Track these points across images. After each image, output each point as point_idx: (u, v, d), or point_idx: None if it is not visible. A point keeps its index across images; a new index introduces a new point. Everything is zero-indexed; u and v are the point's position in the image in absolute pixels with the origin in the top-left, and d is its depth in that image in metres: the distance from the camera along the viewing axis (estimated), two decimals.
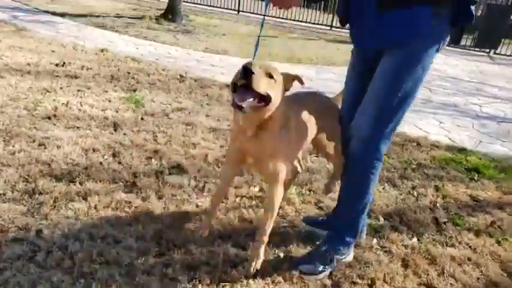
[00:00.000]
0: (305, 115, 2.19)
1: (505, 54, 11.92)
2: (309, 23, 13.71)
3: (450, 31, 1.96)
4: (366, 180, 2.18)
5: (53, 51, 5.95)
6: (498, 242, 2.71)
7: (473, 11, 1.92)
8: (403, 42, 1.93)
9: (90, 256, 2.09)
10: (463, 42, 13.20)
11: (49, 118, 3.62)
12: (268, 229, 2.10)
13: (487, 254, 2.57)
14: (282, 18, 13.67)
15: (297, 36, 10.92)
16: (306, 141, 2.26)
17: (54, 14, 9.16)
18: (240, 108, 1.69)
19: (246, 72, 1.65)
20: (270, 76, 1.76)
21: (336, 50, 9.17)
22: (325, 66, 7.45)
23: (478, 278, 2.34)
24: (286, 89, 1.92)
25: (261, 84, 1.71)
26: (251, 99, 1.71)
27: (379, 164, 2.17)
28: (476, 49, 12.39)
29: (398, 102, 2.00)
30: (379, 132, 2.06)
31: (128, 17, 10.01)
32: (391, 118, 2.04)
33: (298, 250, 2.37)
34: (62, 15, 9.13)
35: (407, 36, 1.92)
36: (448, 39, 2.00)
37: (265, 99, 1.76)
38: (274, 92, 1.78)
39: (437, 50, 1.99)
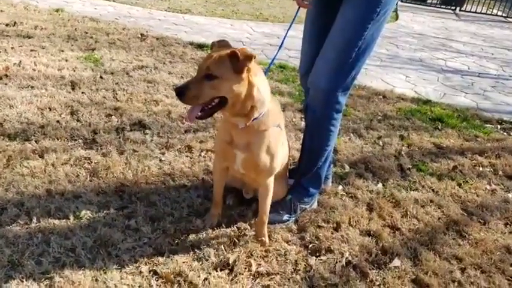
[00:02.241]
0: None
1: (470, 11, 12.04)
2: None
3: None
4: (327, 133, 2.16)
5: (1, 10, 5.56)
6: (459, 185, 2.79)
7: None
8: None
9: (47, 212, 2.01)
10: (429, 0, 13.25)
11: (0, 78, 3.40)
12: (268, 210, 2.00)
13: (448, 196, 2.64)
14: None
15: None
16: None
17: None
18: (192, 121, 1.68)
19: (178, 95, 1.59)
20: (210, 77, 1.57)
21: (303, 9, 8.98)
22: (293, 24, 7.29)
23: (439, 218, 2.41)
24: (242, 66, 1.60)
25: (199, 98, 1.60)
26: (199, 113, 1.65)
27: (339, 115, 2.15)
28: (442, 6, 12.46)
29: (359, 53, 1.95)
30: (339, 84, 2.02)
31: None
32: (352, 68, 1.99)
33: None
34: None
35: None
36: None
37: (220, 99, 1.64)
38: (225, 88, 1.60)
39: None
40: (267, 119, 1.75)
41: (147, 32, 5.51)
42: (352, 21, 1.90)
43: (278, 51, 2.11)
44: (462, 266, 2.05)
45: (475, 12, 12.03)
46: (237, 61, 1.56)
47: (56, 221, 1.96)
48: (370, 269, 1.96)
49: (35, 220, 1.94)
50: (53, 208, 2.03)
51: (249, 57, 1.57)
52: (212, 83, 1.58)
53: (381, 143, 3.25)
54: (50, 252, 1.78)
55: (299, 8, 2.13)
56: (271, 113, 1.77)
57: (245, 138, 1.78)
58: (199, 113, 1.65)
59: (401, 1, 12.14)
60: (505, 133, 3.78)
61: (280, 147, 1.89)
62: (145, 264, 1.80)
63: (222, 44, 1.73)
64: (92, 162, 2.45)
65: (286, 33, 2.10)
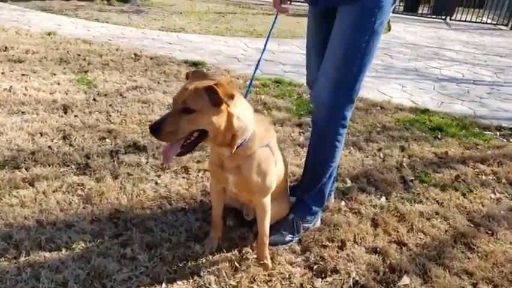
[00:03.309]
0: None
1: (460, 20, 12.15)
2: None
3: None
4: (332, 149, 2.10)
5: None
6: (463, 195, 2.72)
7: None
8: None
9: (38, 244, 1.92)
10: (420, 11, 13.40)
11: None
12: (267, 231, 1.92)
13: (453, 207, 2.57)
14: None
15: (257, 12, 10.71)
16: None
17: None
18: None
19: (153, 132, 1.49)
20: (187, 111, 1.48)
21: (295, 23, 9.05)
22: (286, 39, 7.30)
23: (446, 231, 2.33)
24: (228, 97, 1.51)
25: (177, 133, 1.50)
26: (178, 151, 1.56)
27: (345, 130, 2.09)
28: (433, 16, 12.58)
29: (358, 65, 1.90)
30: (342, 98, 1.97)
31: (77, 0, 9.48)
32: (353, 81, 1.94)
33: None
34: (3, 0, 8.55)
35: None
36: None
37: (200, 132, 1.56)
38: (203, 121, 1.51)
39: (393, 3, 1.91)
40: (252, 143, 1.68)
41: (140, 51, 5.48)
42: (348, 32, 1.86)
43: (257, 65, 2.08)
44: (473, 281, 1.97)
45: (465, 20, 12.14)
46: (215, 94, 1.47)
47: (47, 253, 1.87)
48: None
49: (24, 253, 1.85)
50: (43, 239, 1.93)
51: (231, 96, 1.50)
52: (189, 117, 1.48)
53: (381, 155, 3.19)
54: None
55: (277, 13, 2.13)
56: (257, 135, 1.69)
57: (234, 162, 1.71)
58: (180, 150, 1.56)
59: (393, 12, 12.20)
60: (504, 140, 3.73)
61: (272, 166, 1.81)
62: None
63: (197, 75, 1.65)
64: (85, 188, 2.37)
65: (266, 44, 2.09)
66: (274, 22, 2.16)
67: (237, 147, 1.64)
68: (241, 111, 1.61)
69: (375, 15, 1.82)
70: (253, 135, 1.68)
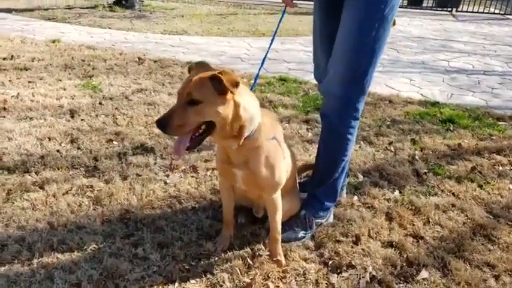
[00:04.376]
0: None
1: (466, 11, 12.01)
2: None
3: None
4: (344, 143, 2.05)
5: None
6: (480, 186, 2.66)
7: None
8: None
9: (50, 245, 1.90)
10: (425, 4, 13.28)
11: None
12: (279, 227, 1.89)
13: (470, 199, 2.50)
14: None
15: (259, 12, 10.69)
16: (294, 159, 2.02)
17: None
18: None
19: (160, 127, 1.44)
20: (193, 102, 1.45)
21: (298, 21, 9.02)
22: (289, 38, 7.26)
23: (464, 223, 2.27)
24: (233, 85, 1.46)
25: (185, 126, 1.46)
26: (187, 145, 1.52)
27: (357, 123, 2.04)
28: (438, 9, 12.46)
29: (369, 53, 1.84)
30: (353, 89, 1.91)
31: (80, 8, 9.56)
32: (365, 71, 1.88)
33: None
34: (8, 11, 8.62)
35: None
36: None
37: (208, 124, 1.52)
38: (210, 111, 1.47)
39: None
40: (259, 134, 1.64)
41: (144, 55, 5.48)
42: (357, 22, 1.80)
43: (264, 59, 2.04)
44: (496, 273, 1.91)
45: (472, 11, 12.00)
46: (219, 83, 1.43)
47: (60, 255, 1.86)
48: (396, 283, 1.83)
49: (37, 255, 1.84)
50: (55, 241, 1.92)
51: (235, 84, 1.45)
52: (196, 108, 1.45)
53: (392, 148, 3.13)
54: None
55: (285, 7, 2.09)
56: (263, 127, 1.65)
57: (241, 156, 1.67)
58: (188, 144, 1.53)
59: None
60: None
61: (281, 159, 1.77)
62: None
63: (201, 66, 1.61)
64: (94, 190, 2.35)
65: (273, 39, 2.05)
66: (282, 16, 2.12)
67: (244, 139, 1.61)
68: (247, 101, 1.58)
69: (384, 1, 1.77)
70: (260, 126, 1.64)
